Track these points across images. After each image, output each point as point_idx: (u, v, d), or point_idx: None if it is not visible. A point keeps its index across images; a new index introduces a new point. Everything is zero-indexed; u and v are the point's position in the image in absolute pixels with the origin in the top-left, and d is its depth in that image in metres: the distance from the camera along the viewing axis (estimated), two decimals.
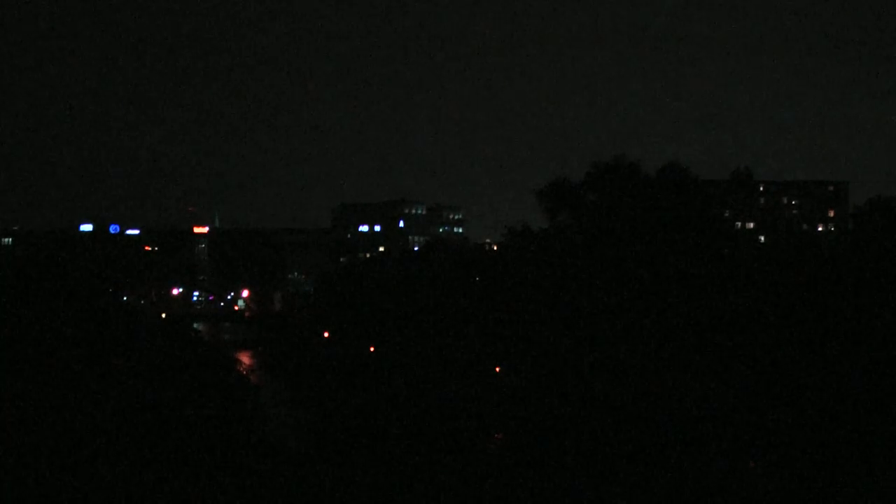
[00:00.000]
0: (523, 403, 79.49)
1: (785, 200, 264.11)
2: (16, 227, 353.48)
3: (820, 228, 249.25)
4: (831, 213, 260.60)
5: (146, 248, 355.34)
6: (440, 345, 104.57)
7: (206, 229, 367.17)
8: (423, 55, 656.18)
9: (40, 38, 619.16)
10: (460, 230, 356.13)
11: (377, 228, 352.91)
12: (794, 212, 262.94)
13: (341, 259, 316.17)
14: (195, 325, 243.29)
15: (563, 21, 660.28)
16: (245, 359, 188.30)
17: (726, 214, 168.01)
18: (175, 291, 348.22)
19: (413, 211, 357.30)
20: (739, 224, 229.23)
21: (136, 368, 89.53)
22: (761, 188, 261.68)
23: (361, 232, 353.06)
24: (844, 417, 61.21)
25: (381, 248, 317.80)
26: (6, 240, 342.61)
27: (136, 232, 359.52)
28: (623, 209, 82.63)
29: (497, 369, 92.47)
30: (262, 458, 75.75)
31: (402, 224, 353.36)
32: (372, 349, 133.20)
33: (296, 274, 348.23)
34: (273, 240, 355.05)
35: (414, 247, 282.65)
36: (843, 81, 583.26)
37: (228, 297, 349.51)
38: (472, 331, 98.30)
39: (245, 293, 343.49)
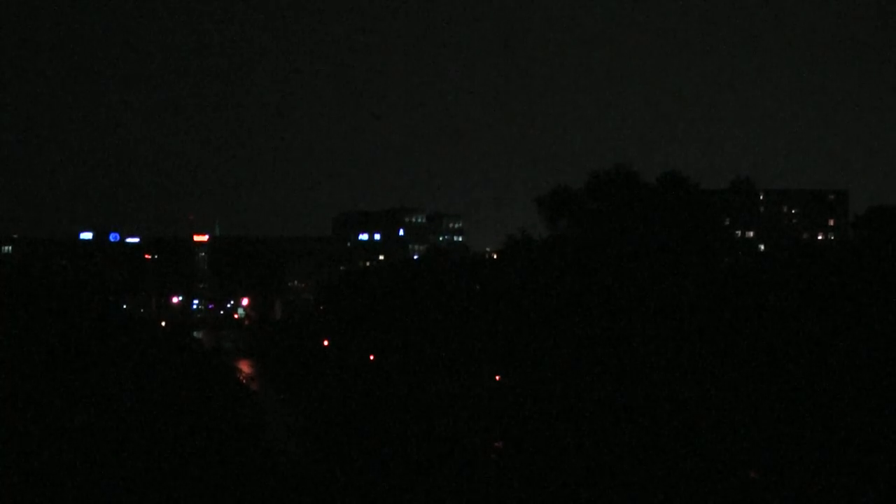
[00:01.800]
0: (524, 412, 79.45)
1: (785, 209, 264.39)
2: (16, 235, 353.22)
3: (820, 237, 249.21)
4: (831, 222, 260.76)
5: (146, 256, 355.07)
6: (440, 353, 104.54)
7: (206, 237, 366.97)
8: (423, 63, 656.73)
9: (40, 44, 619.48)
10: (460, 238, 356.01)
11: (377, 237, 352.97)
12: (795, 220, 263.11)
13: (341, 267, 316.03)
14: (195, 334, 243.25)
15: (563, 28, 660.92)
16: (245, 367, 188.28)
17: (726, 223, 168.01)
18: (175, 300, 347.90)
19: (413, 219, 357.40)
20: (739, 232, 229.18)
21: (136, 377, 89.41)
22: (761, 197, 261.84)
23: (361, 240, 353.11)
24: (846, 426, 61.15)
25: (381, 257, 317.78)
26: (6, 248, 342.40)
27: (136, 240, 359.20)
28: (623, 217, 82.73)
29: (497, 378, 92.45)
30: (262, 464, 75.74)
31: (401, 232, 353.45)
32: (372, 358, 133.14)
33: (295, 282, 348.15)
34: (273, 248, 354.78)
35: (414, 255, 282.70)
36: (844, 90, 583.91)
37: (228, 306, 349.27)
38: (472, 339, 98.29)
39: (245, 301, 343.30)
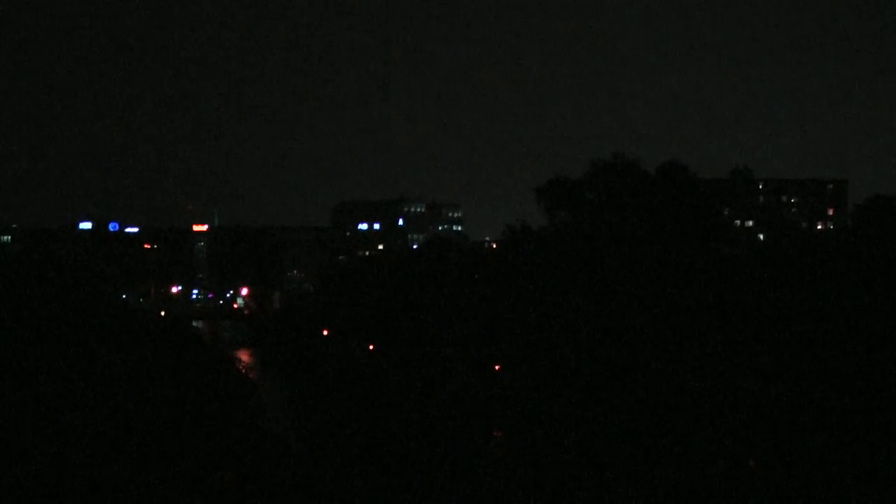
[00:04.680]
0: (523, 401, 79.48)
1: (784, 199, 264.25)
2: (15, 225, 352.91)
3: (819, 227, 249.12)
4: (830, 212, 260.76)
5: (145, 246, 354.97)
6: (440, 343, 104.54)
7: (205, 227, 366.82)
8: (422, 53, 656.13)
9: (40, 37, 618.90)
10: (459, 228, 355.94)
11: (376, 227, 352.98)
12: (794, 210, 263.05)
13: (340, 257, 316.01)
14: (194, 324, 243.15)
15: (563, 19, 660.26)
16: (244, 357, 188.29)
17: (726, 212, 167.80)
18: (174, 289, 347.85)
19: (412, 209, 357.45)
20: (739, 222, 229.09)
21: (136, 367, 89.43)
22: (761, 186, 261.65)
23: (360, 230, 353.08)
24: (845, 416, 61.17)
25: (381, 247, 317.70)
26: (5, 237, 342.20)
27: (136, 230, 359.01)
28: (622, 207, 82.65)
29: (497, 368, 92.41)
30: (261, 455, 75.72)
31: (401, 222, 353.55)
32: (371, 348, 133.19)
33: (295, 272, 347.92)
34: (272, 238, 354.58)
35: (413, 245, 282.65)
36: (843, 80, 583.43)
37: (228, 296, 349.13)
38: (471, 329, 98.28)
39: (244, 291, 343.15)
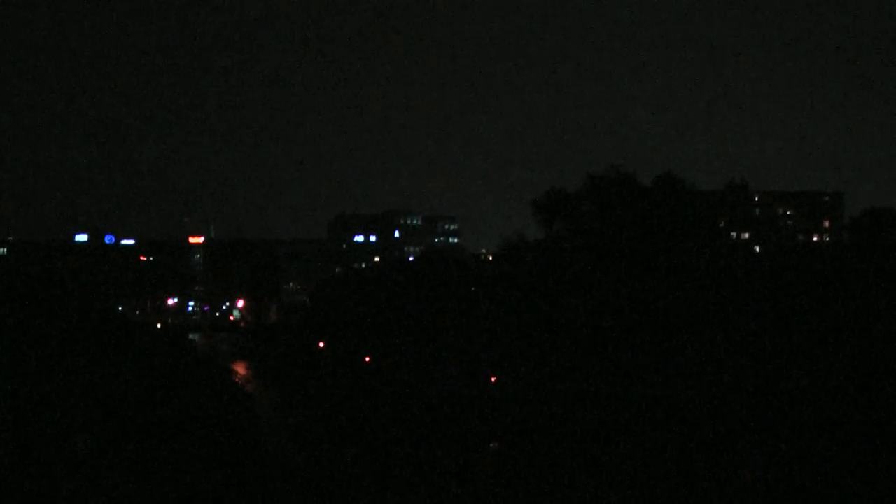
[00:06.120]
0: (520, 412, 79.50)
1: (780, 211, 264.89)
2: (10, 237, 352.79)
3: (815, 239, 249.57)
4: (826, 224, 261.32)
5: (141, 258, 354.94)
6: (436, 355, 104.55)
7: (201, 239, 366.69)
8: (419, 65, 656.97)
9: (37, 48, 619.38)
10: (455, 240, 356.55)
11: (372, 239, 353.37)
12: (790, 222, 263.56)
13: (336, 269, 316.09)
14: (190, 336, 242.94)
15: (559, 31, 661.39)
16: (241, 369, 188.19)
17: (722, 224, 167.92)
18: (170, 302, 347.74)
19: (408, 221, 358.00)
20: (735, 234, 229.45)
21: (131, 378, 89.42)
22: (757, 198, 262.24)
23: (356, 242, 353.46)
24: (841, 426, 61.27)
25: (377, 259, 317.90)
26: (1, 250, 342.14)
27: (132, 242, 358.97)
28: (619, 219, 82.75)
29: (493, 379, 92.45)
30: (258, 466, 75.79)
31: (397, 234, 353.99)
32: (368, 360, 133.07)
33: (291, 284, 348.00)
34: (269, 250, 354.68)
35: (409, 257, 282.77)
36: (839, 92, 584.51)
37: (224, 308, 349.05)
38: (468, 341, 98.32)
39: (240, 303, 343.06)
